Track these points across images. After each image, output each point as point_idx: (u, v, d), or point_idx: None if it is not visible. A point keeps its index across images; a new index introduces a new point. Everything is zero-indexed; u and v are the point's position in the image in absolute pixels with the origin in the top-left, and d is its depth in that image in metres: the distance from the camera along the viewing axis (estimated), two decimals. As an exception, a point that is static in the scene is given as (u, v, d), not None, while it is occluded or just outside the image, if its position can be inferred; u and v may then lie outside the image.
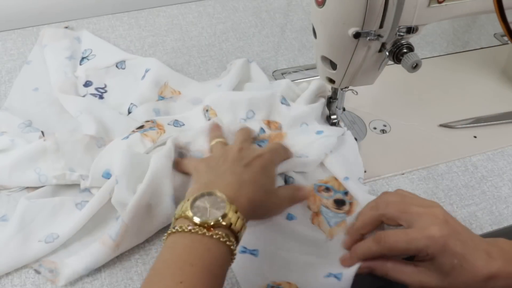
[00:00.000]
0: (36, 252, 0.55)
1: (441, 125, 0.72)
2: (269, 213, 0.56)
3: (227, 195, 0.47)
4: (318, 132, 0.66)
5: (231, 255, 0.46)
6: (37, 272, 0.54)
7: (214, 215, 0.45)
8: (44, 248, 0.55)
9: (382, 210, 0.53)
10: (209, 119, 0.67)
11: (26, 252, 0.54)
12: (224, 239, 0.45)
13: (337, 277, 0.52)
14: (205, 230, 0.44)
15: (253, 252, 0.56)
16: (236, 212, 0.46)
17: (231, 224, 0.46)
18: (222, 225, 0.45)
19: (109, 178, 0.59)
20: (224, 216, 0.45)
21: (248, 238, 0.55)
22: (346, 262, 0.54)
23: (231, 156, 0.55)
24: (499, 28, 0.90)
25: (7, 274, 0.54)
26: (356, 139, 0.69)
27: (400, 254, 0.52)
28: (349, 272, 0.52)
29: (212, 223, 0.45)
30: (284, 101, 0.68)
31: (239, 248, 0.49)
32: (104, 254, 0.54)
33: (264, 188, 0.53)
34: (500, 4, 0.48)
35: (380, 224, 0.54)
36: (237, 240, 0.47)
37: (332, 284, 0.52)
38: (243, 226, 0.47)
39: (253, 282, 0.54)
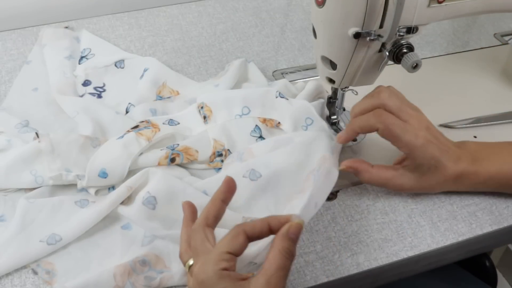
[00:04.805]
0: (37, 252, 0.55)
1: (441, 125, 0.72)
2: None
3: None
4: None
5: None
6: (35, 272, 0.54)
7: None
8: (45, 249, 0.55)
9: (383, 100, 0.57)
10: (204, 116, 0.67)
11: (27, 252, 0.54)
12: None
13: None
14: None
15: None
16: None
17: None
18: None
19: (105, 178, 0.59)
20: None
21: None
22: (341, 137, 0.60)
23: None
24: (499, 28, 0.90)
25: (7, 274, 0.54)
26: (356, 139, 0.69)
27: (388, 136, 0.57)
28: None
29: None
30: (281, 95, 0.67)
31: None
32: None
33: None
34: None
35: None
36: None
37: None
38: None
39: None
